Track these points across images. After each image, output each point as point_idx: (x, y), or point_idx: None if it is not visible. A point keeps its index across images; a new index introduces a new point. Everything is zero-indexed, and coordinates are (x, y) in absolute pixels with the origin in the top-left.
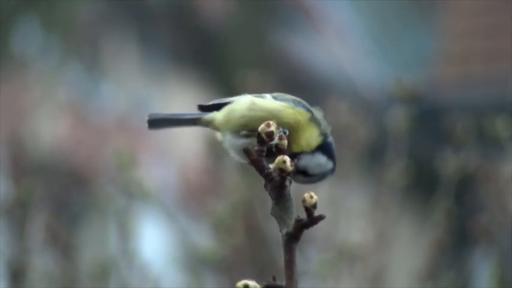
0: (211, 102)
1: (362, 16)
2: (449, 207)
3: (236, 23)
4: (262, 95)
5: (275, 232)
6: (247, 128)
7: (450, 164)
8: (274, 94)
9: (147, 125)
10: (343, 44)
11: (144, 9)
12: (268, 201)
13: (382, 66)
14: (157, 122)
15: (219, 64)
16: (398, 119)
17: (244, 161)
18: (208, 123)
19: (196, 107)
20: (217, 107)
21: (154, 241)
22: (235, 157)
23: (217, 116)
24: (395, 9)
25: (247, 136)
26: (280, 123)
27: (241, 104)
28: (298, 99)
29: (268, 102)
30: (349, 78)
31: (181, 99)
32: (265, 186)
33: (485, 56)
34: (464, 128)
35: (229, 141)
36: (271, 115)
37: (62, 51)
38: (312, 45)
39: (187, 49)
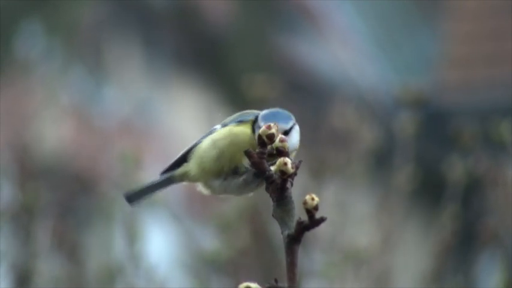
0: (169, 165)
1: (366, 20)
2: (455, 210)
3: (239, 26)
4: (214, 128)
5: (280, 235)
6: (227, 163)
7: (456, 167)
8: (226, 120)
9: (126, 202)
10: (346, 48)
11: (148, 13)
12: None
13: (385, 71)
14: (135, 196)
15: (222, 67)
16: (404, 123)
17: (246, 193)
18: (183, 177)
19: (159, 174)
20: (178, 162)
21: (160, 244)
22: (235, 194)
23: (190, 168)
24: (399, 13)
25: (245, 170)
26: (237, 141)
27: (205, 148)
28: (244, 112)
29: (219, 132)
30: (353, 82)
31: (185, 102)
32: (267, 188)
33: (488, 59)
34: (470, 132)
35: (226, 185)
36: (230, 137)
37: (65, 55)
38: (316, 49)
39: (190, 52)
